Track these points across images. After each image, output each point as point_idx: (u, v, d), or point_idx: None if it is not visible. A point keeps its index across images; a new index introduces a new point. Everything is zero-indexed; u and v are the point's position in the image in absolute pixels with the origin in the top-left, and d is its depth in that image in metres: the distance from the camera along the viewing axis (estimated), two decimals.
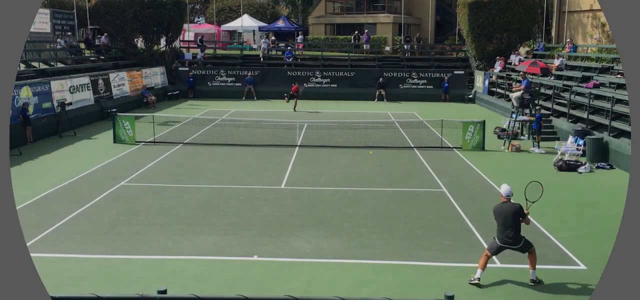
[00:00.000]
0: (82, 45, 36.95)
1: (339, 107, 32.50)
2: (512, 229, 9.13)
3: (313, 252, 10.69)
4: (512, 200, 9.36)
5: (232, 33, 54.83)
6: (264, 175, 16.55)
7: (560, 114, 23.54)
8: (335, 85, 37.24)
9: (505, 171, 17.27)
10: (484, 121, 20.86)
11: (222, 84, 37.45)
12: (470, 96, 35.53)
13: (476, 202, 13.91)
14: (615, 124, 19.18)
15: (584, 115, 21.36)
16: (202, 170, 17.11)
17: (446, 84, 36.03)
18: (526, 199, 9.47)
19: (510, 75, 30.89)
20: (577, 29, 34.84)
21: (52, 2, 35.92)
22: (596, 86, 22.94)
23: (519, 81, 22.36)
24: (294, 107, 30.68)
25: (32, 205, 13.43)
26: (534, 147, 20.42)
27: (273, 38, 45.79)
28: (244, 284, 9.32)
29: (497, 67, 34.03)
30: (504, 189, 9.47)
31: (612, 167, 17.78)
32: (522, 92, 21.37)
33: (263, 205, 13.57)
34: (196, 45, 42.07)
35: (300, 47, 43.70)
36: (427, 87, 36.81)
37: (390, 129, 24.50)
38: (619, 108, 19.50)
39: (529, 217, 9.36)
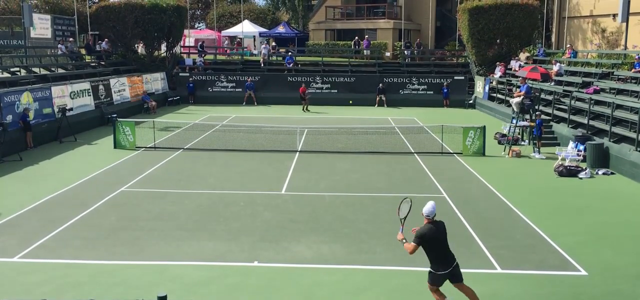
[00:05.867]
0: (83, 51, 37.05)
1: (340, 112, 32.52)
2: (448, 250, 8.42)
3: (313, 258, 10.68)
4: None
5: (232, 38, 54.92)
6: (264, 180, 16.55)
7: (560, 120, 23.56)
8: (336, 91, 37.28)
9: (506, 177, 17.28)
10: (484, 127, 20.88)
11: (223, 89, 37.51)
12: (471, 102, 35.55)
13: (477, 208, 13.91)
14: (616, 129, 19.18)
15: (585, 120, 21.36)
16: (203, 175, 17.12)
17: (446, 90, 36.04)
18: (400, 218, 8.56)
19: (511, 80, 30.92)
20: (577, 34, 34.93)
21: (53, 8, 36.04)
22: (596, 92, 22.98)
23: (519, 87, 22.40)
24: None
25: (33, 211, 13.44)
26: (534, 152, 20.42)
27: (273, 44, 45.83)
28: (245, 289, 9.32)
29: (498, 73, 34.07)
30: (428, 208, 8.37)
31: (612, 173, 17.77)
32: (522, 97, 21.39)
33: (263, 210, 13.57)
34: (196, 51, 42.15)
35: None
36: (428, 92, 36.86)
37: (391, 134, 24.51)
38: (620, 113, 19.51)
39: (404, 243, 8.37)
